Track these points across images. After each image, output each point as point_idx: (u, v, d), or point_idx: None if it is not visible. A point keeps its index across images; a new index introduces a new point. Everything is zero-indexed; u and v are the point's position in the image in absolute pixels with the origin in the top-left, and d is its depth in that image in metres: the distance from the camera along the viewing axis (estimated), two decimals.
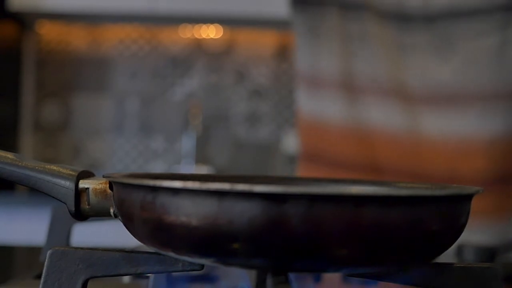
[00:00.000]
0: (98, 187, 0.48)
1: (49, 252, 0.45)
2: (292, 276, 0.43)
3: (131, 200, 0.43)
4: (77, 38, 2.59)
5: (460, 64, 0.91)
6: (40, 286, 0.45)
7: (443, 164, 0.91)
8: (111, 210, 0.48)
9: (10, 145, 2.45)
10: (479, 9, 0.89)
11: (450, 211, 0.43)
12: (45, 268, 0.45)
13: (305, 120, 1.00)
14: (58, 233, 0.66)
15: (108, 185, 0.48)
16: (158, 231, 0.41)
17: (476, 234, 0.85)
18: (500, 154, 0.91)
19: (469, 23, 0.90)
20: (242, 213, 0.38)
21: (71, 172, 0.48)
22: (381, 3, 0.93)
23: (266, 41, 2.58)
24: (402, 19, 0.93)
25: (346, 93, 0.96)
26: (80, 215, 0.49)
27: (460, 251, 0.71)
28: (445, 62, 0.91)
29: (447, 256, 0.74)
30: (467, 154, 0.91)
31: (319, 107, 0.98)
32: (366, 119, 0.95)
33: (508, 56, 0.91)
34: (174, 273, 0.51)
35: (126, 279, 0.59)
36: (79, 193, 0.48)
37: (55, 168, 0.49)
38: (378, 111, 0.94)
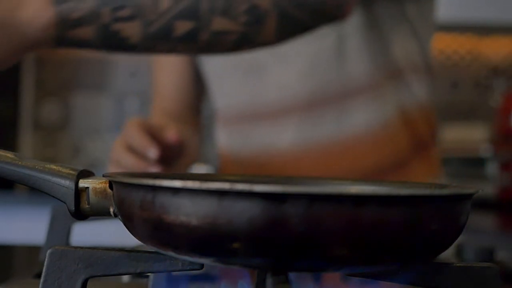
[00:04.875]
0: (98, 186, 0.48)
1: (48, 251, 0.45)
2: (292, 276, 0.43)
3: (131, 200, 0.43)
4: None
5: (306, 70, 0.93)
6: (40, 285, 0.45)
7: (309, 171, 0.92)
8: (111, 210, 0.48)
9: (10, 144, 2.45)
10: None
11: (450, 211, 0.43)
12: (44, 267, 0.45)
13: (223, 155, 1.04)
14: (58, 233, 0.66)
15: (108, 184, 0.48)
16: (158, 231, 0.41)
17: None
18: (363, 151, 0.93)
19: None
20: (242, 212, 0.38)
21: (71, 172, 0.48)
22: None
23: None
24: None
25: (226, 125, 1.02)
26: (80, 215, 0.49)
27: (460, 251, 0.71)
28: (293, 70, 0.94)
29: (447, 256, 0.74)
30: (330, 157, 0.93)
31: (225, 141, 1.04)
32: (242, 146, 0.99)
33: (347, 51, 0.92)
34: (174, 273, 0.51)
35: (125, 278, 0.59)
36: (79, 193, 0.48)
37: (55, 167, 0.49)
38: (242, 136, 1.00)
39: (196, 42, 0.68)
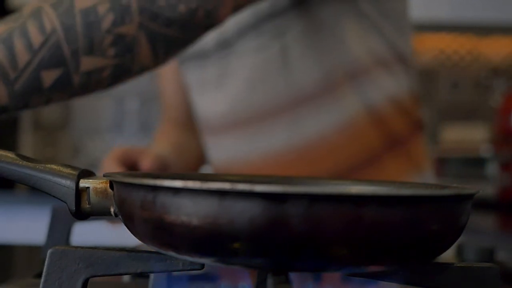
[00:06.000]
0: (98, 186, 0.48)
1: (49, 251, 0.45)
2: (292, 276, 0.43)
3: (132, 200, 0.43)
4: None
5: (254, 82, 0.93)
6: (41, 285, 0.45)
7: None
8: (112, 210, 0.48)
9: (10, 144, 2.45)
10: (248, 26, 0.91)
11: (450, 211, 0.43)
12: (45, 267, 0.45)
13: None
14: (58, 232, 0.66)
15: (108, 184, 0.48)
16: (158, 231, 0.41)
17: None
18: (321, 155, 0.93)
19: (247, 41, 0.92)
20: (243, 212, 0.38)
21: (71, 171, 0.48)
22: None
23: None
24: (203, 56, 0.97)
25: (203, 135, 1.05)
26: (81, 214, 0.49)
27: (460, 251, 0.71)
28: (241, 83, 0.94)
29: (447, 256, 0.74)
30: (285, 164, 0.93)
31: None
32: (212, 157, 1.02)
33: (291, 61, 0.92)
34: (174, 273, 0.51)
35: (126, 278, 0.59)
36: (79, 192, 0.48)
37: (55, 167, 0.49)
38: (210, 148, 1.02)
39: (71, 87, 0.66)
